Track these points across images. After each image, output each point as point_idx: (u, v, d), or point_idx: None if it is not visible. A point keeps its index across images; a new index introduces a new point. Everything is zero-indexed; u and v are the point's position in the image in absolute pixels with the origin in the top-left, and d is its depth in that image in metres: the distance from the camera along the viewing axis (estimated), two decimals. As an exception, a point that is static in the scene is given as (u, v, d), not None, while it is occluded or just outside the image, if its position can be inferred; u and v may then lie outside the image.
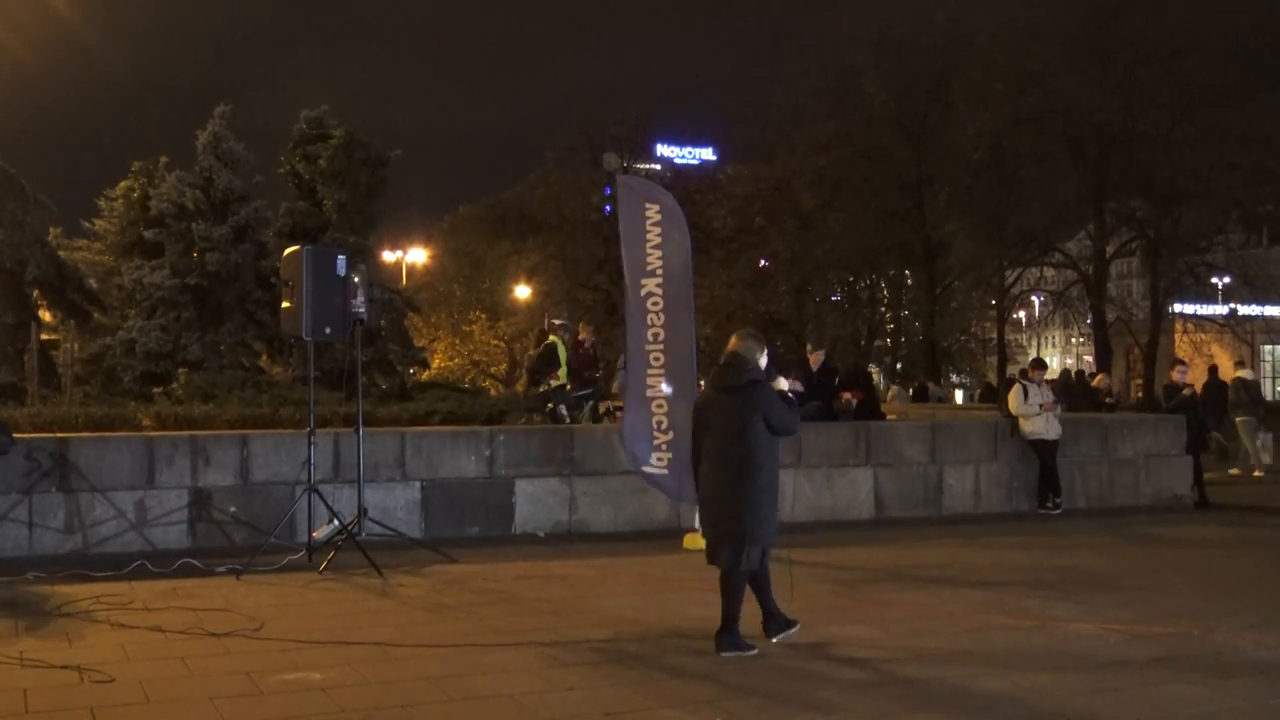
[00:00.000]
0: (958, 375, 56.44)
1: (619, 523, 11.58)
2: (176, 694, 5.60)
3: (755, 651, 6.37)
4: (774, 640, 6.59)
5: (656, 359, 10.46)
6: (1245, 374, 19.52)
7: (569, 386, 14.21)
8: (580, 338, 15.51)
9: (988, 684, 5.88)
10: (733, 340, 6.87)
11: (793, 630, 6.67)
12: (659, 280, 10.48)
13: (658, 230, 10.52)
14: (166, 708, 5.40)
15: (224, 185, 28.16)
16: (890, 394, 31.27)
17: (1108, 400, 18.15)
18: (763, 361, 6.72)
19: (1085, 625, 7.22)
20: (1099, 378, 20.76)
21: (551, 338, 14.45)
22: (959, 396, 49.30)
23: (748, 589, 6.54)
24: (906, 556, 10.11)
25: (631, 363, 10.77)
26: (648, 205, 10.61)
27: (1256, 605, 7.95)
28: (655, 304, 10.49)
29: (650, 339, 10.49)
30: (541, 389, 14.31)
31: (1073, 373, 27.94)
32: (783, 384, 6.82)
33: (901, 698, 5.65)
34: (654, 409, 10.46)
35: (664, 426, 10.49)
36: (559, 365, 14.05)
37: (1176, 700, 5.64)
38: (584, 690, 5.75)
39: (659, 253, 10.50)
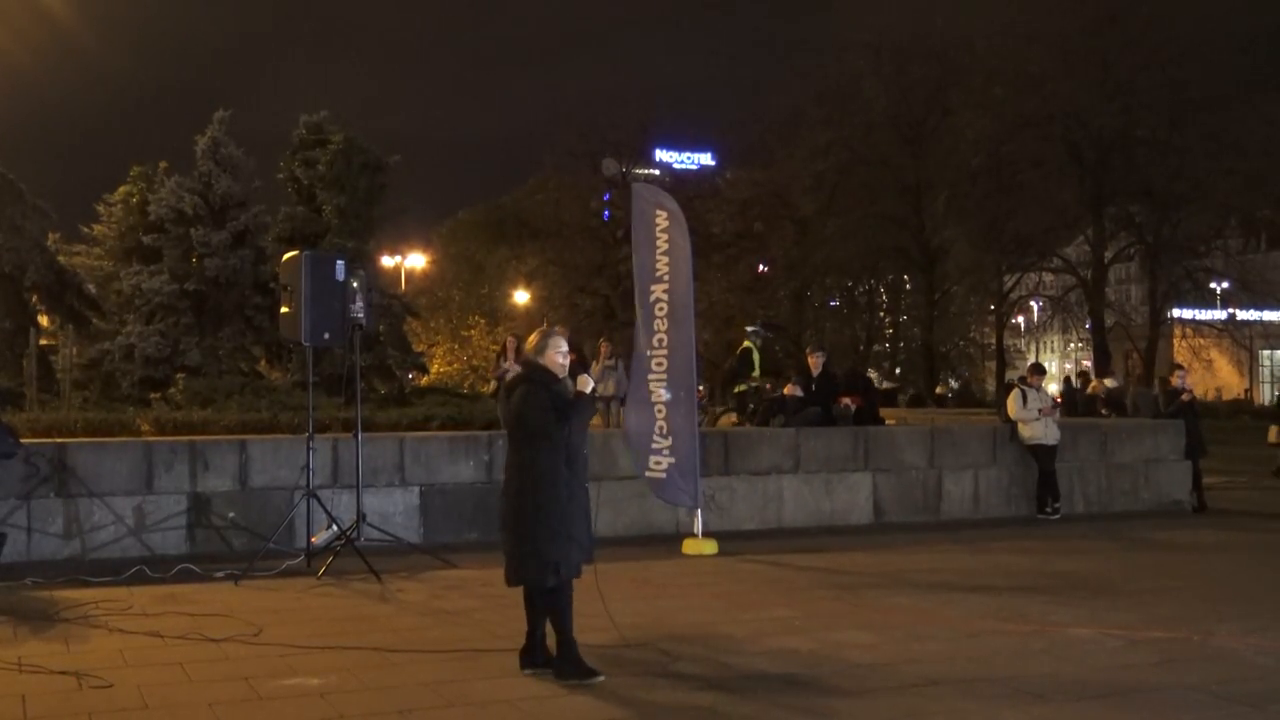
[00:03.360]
0: (956, 380, 56.48)
1: (617, 527, 11.57)
2: (175, 699, 5.59)
3: (601, 679, 5.93)
4: (525, 671, 6.09)
5: (659, 364, 10.55)
6: (1109, 382, 19.74)
7: (768, 386, 14.98)
8: (600, 349, 16.94)
9: (987, 689, 5.88)
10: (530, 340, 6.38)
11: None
12: (665, 286, 10.60)
13: (665, 236, 10.64)
14: (165, 713, 5.39)
15: (223, 190, 28.19)
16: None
17: (1104, 412, 17.84)
18: (556, 359, 6.08)
19: (1084, 630, 7.22)
20: (1094, 384, 20.58)
21: (746, 342, 15.50)
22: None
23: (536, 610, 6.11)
24: (905, 561, 10.11)
25: (636, 367, 10.85)
26: (658, 212, 10.72)
27: (1256, 610, 7.95)
28: (661, 309, 10.59)
29: (655, 344, 10.59)
30: (739, 389, 15.22)
31: (1074, 380, 27.67)
32: (588, 383, 6.13)
33: (901, 703, 5.64)
34: (655, 413, 10.54)
35: (664, 431, 10.54)
36: (754, 368, 14.97)
37: (1176, 705, 5.64)
38: (582, 695, 5.74)
39: (666, 259, 10.62)
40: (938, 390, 46.80)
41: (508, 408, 6.10)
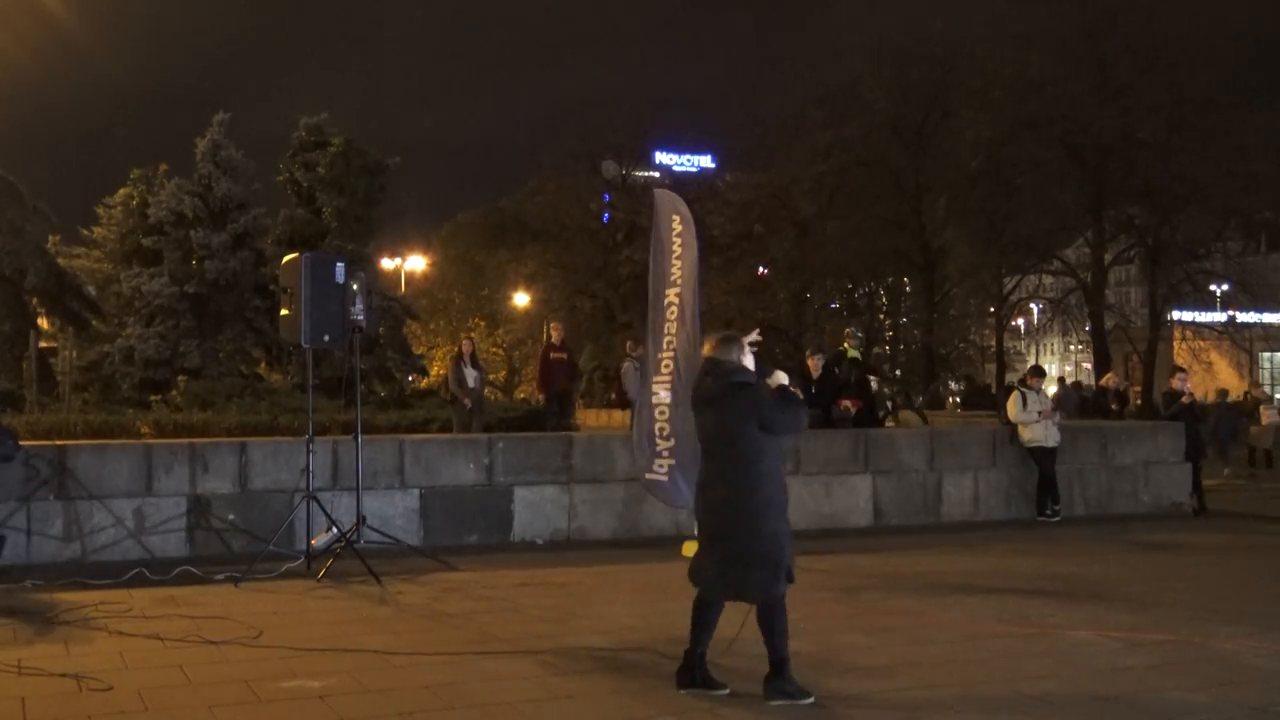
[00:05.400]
0: (957, 383, 56.47)
1: (618, 530, 11.58)
2: (175, 702, 5.59)
3: (811, 700, 5.63)
4: (682, 691, 5.82)
5: (667, 366, 10.59)
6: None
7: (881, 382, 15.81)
8: (553, 340, 17.25)
9: (987, 691, 5.88)
10: (706, 346, 6.17)
11: (721, 692, 5.83)
12: (678, 289, 10.64)
13: (679, 241, 10.70)
14: (165, 716, 5.39)
15: (223, 193, 28.22)
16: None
17: (1114, 408, 17.75)
18: (747, 361, 5.98)
19: (1084, 632, 7.22)
20: (1108, 377, 20.52)
21: (846, 344, 16.01)
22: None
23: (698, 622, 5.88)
24: (905, 564, 10.11)
25: (643, 371, 10.92)
26: (674, 216, 10.80)
27: (1255, 612, 7.95)
28: (674, 313, 10.63)
29: (664, 346, 10.64)
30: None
31: (1078, 384, 27.63)
32: (781, 378, 6.05)
33: (901, 706, 5.64)
34: (656, 415, 10.56)
35: (665, 433, 10.55)
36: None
37: (1176, 707, 5.64)
38: (583, 698, 5.74)
39: (680, 263, 10.68)
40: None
41: (718, 413, 5.84)
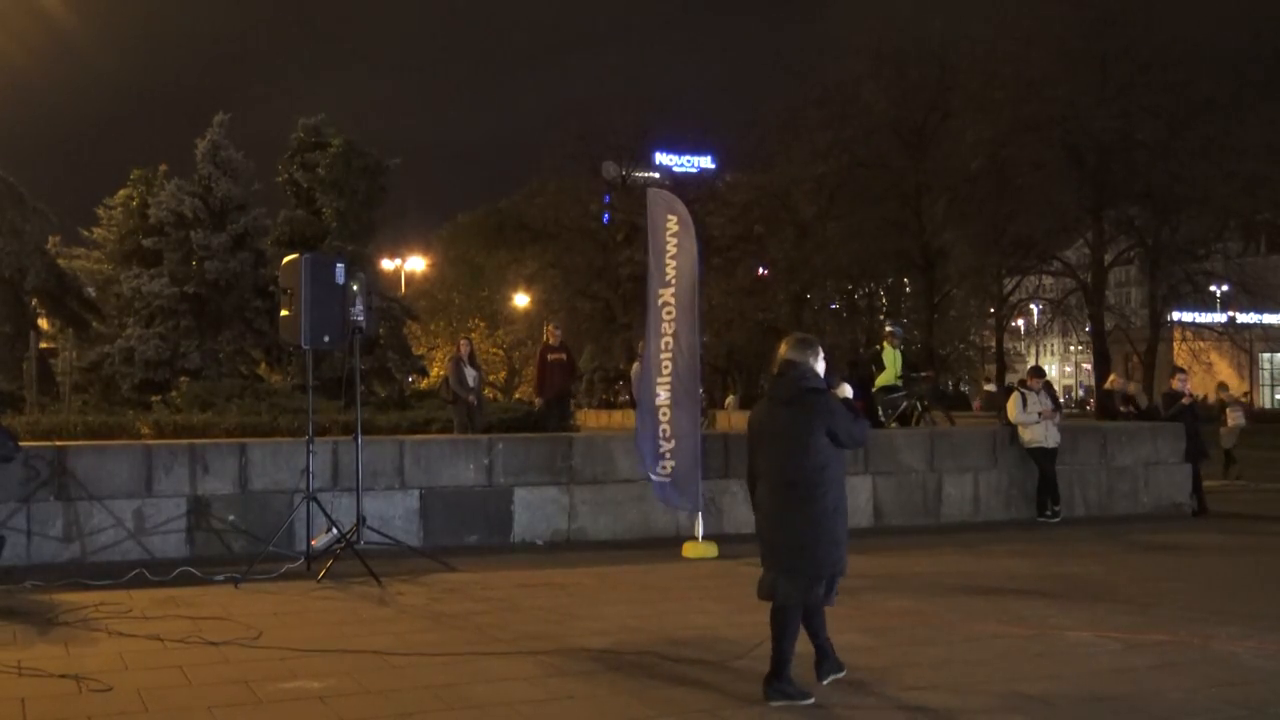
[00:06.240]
0: (962, 384, 56.50)
1: (618, 531, 11.58)
2: (175, 703, 5.59)
3: (810, 701, 5.65)
4: (824, 683, 5.90)
5: (666, 367, 10.60)
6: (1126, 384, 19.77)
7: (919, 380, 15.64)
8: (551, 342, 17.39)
9: (987, 692, 5.88)
10: (782, 348, 6.06)
11: (843, 673, 6.00)
12: (673, 290, 10.66)
13: (674, 241, 10.72)
14: (165, 717, 5.39)
15: (223, 193, 28.23)
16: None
17: (1124, 409, 17.56)
18: (819, 367, 5.94)
19: (1084, 633, 7.22)
20: (1112, 379, 20.43)
21: (885, 342, 15.94)
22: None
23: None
24: (905, 564, 10.11)
25: (646, 371, 10.91)
26: (668, 216, 10.80)
27: (1256, 613, 7.94)
28: (669, 313, 10.65)
29: (663, 348, 10.66)
30: (876, 388, 15.48)
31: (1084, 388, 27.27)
32: (846, 390, 6.10)
33: (901, 707, 5.64)
34: (659, 417, 10.58)
35: (667, 434, 10.57)
36: (884, 368, 15.39)
37: (1176, 708, 5.64)
38: (583, 699, 5.74)
39: (674, 263, 10.70)
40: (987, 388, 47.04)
41: (792, 416, 5.80)
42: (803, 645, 5.97)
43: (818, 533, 5.70)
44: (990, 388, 53.58)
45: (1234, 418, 20.23)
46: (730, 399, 43.50)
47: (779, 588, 5.73)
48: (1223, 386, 22.09)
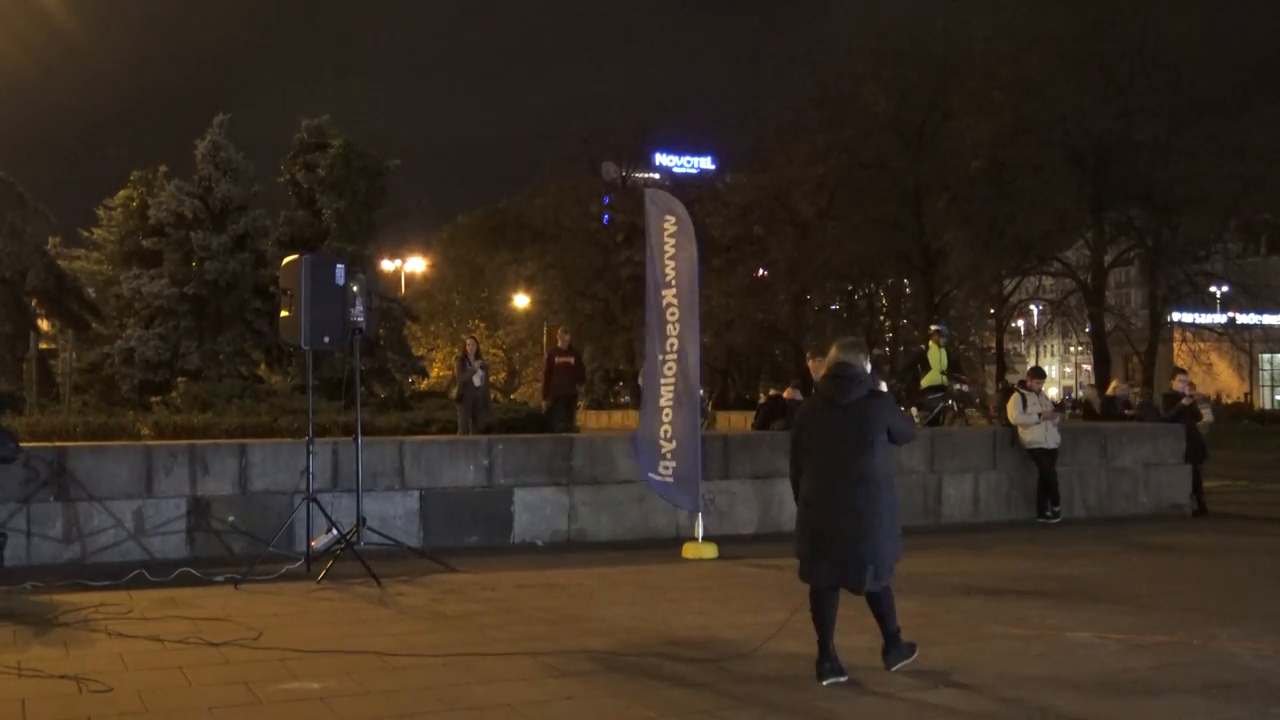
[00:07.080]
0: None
1: (618, 532, 11.57)
2: (175, 704, 5.59)
3: (915, 654, 6.26)
4: (894, 670, 6.19)
5: (669, 369, 10.60)
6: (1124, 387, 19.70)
7: (956, 385, 15.74)
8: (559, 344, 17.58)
9: (986, 693, 5.88)
10: (834, 351, 6.34)
11: (914, 657, 6.29)
12: (674, 291, 10.65)
13: (672, 242, 10.72)
14: (165, 717, 5.39)
15: (223, 194, 28.24)
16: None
17: (1126, 413, 17.45)
18: (868, 367, 6.28)
19: (1084, 634, 7.21)
20: (1115, 384, 20.36)
21: (931, 341, 16.29)
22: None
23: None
24: (905, 565, 9.98)
25: (648, 373, 10.92)
26: (666, 217, 10.80)
27: (1256, 614, 7.94)
28: (672, 314, 10.64)
29: (667, 349, 10.64)
30: (923, 386, 15.75)
31: (1086, 395, 27.11)
32: (884, 388, 6.48)
33: (900, 708, 5.64)
34: (662, 418, 10.58)
35: (669, 435, 10.57)
36: (929, 367, 15.64)
37: (1175, 710, 5.63)
38: (583, 700, 5.74)
39: (673, 264, 10.70)
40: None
41: (856, 418, 6.10)
42: (808, 646, 5.96)
43: (892, 523, 6.14)
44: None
45: (1206, 415, 20.21)
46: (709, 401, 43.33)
47: (871, 577, 6.08)
48: (1190, 385, 22.03)
